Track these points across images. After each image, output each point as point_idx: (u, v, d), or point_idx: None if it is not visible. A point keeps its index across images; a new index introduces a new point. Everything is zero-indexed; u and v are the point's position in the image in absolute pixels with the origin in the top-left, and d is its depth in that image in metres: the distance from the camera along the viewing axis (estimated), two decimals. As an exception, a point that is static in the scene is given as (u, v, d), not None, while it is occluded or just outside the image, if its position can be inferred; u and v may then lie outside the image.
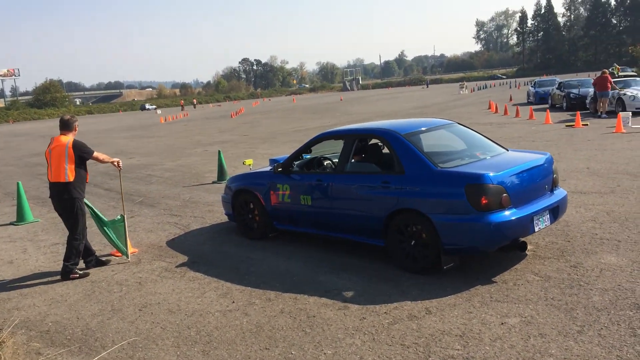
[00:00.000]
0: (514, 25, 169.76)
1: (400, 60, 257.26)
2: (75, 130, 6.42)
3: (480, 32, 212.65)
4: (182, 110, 72.46)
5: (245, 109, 58.21)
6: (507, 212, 5.16)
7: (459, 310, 4.69)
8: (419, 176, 5.52)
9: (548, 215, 5.55)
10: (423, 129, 6.15)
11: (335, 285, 5.53)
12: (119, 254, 7.05)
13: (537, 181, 5.60)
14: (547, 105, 26.61)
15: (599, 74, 20.79)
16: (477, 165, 5.55)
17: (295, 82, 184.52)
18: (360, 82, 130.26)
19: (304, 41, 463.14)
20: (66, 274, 6.30)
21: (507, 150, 6.21)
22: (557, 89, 26.15)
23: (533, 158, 5.80)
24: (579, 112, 19.23)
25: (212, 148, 19.93)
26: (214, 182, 12.22)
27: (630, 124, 15.95)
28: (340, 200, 6.20)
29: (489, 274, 5.45)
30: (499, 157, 5.90)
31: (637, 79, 22.50)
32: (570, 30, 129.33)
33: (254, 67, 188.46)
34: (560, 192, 5.95)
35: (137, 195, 11.59)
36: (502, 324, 4.38)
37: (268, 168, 7.73)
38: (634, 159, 10.82)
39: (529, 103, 30.74)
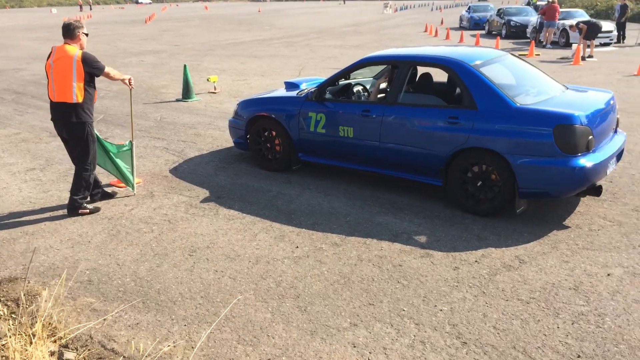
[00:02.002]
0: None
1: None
2: (80, 39, 5.26)
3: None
4: (80, 10, 65.90)
5: (156, 14, 53.89)
6: (591, 155, 4.92)
7: (553, 259, 4.48)
8: (496, 113, 5.09)
9: (615, 158, 5.39)
10: (488, 59, 5.65)
11: (399, 228, 5.12)
12: (121, 185, 6.14)
13: (609, 122, 5.39)
14: (482, 32, 26.80)
15: (544, 3, 20.98)
16: (558, 104, 5.20)
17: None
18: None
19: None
20: (74, 209, 5.37)
21: (568, 87, 5.91)
22: (496, 15, 26.29)
23: (606, 97, 5.55)
24: (533, 42, 19.41)
25: (147, 58, 18.20)
26: (178, 100, 11.07)
27: (585, 55, 16.34)
28: (391, 134, 5.66)
29: (556, 218, 5.27)
30: (570, 95, 5.59)
31: (579, 10, 23.06)
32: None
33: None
34: (621, 133, 5.80)
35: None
36: (609, 275, 4.22)
37: (284, 92, 6.97)
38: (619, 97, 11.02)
39: (461, 28, 30.83)
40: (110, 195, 5.85)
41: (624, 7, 21.20)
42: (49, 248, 4.79)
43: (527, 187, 4.99)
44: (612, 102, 5.53)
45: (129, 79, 5.63)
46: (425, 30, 29.11)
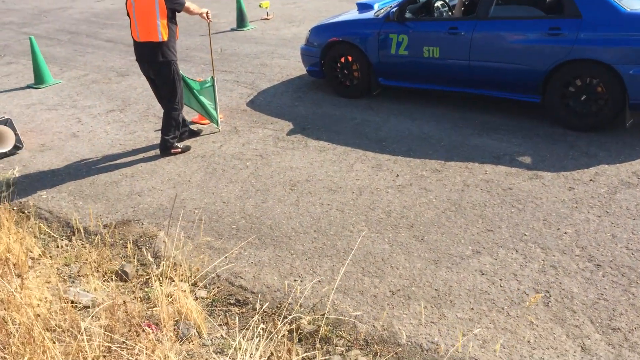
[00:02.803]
0: None
1: None
2: None
3: None
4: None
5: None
6: None
7: (674, 174, 4.26)
8: (604, 20, 4.72)
9: None
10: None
11: (498, 149, 4.94)
12: (205, 122, 6.09)
13: None
14: None
15: None
16: (668, 6, 4.79)
17: None
18: None
19: None
20: (167, 149, 5.37)
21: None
22: None
23: None
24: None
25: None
26: (233, 30, 10.79)
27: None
28: (483, 51, 5.35)
29: (666, 129, 4.99)
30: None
31: None
32: None
33: None
34: None
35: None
36: None
37: (357, 14, 6.65)
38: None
39: None
40: (197, 133, 5.82)
41: None
42: (152, 189, 4.83)
43: (639, 99, 4.69)
44: None
45: (207, 12, 5.44)
46: None
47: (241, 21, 10.76)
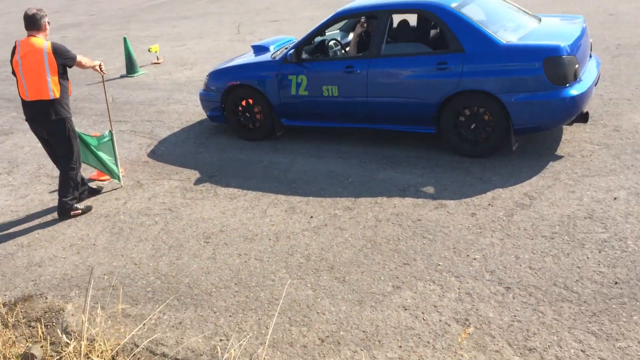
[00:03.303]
0: None
1: None
2: (46, 28, 4.85)
3: None
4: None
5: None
6: (579, 84, 5.06)
7: (560, 191, 4.65)
8: (484, 53, 5.12)
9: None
10: (464, -2, 5.61)
11: (403, 181, 5.16)
12: (105, 178, 5.84)
13: (586, 47, 5.52)
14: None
15: None
16: (540, 36, 5.28)
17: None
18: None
19: None
20: (66, 211, 5.08)
21: (541, 18, 5.98)
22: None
23: (580, 22, 5.66)
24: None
25: (69, 33, 17.02)
26: (123, 76, 10.48)
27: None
28: (379, 87, 5.60)
29: (548, 149, 5.45)
30: (548, 26, 5.68)
31: None
32: None
33: None
34: (595, 57, 5.97)
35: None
36: (615, 199, 4.44)
37: (254, 55, 6.72)
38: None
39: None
40: (97, 191, 5.56)
41: None
42: (53, 258, 4.53)
43: (522, 124, 5.11)
44: (585, 26, 5.66)
45: (100, 65, 5.27)
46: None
47: (131, 67, 10.49)
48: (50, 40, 4.84)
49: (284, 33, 12.20)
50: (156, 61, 11.30)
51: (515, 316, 3.35)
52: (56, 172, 6.09)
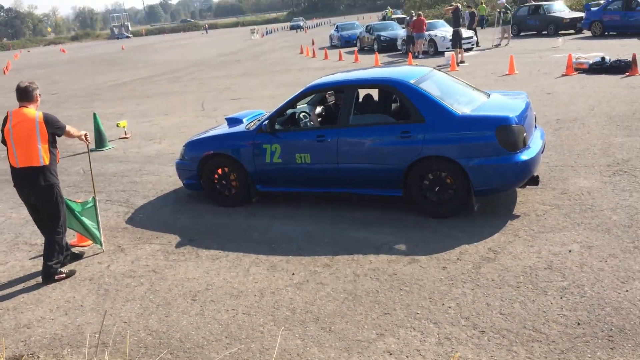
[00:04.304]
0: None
1: (165, 4, 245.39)
2: (38, 100, 5.13)
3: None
4: None
5: (11, 63, 50.31)
6: (528, 150, 5.65)
7: (520, 246, 5.10)
8: (442, 123, 5.68)
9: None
10: (422, 76, 6.25)
11: (376, 240, 5.52)
12: (86, 243, 5.96)
13: (531, 119, 6.19)
14: (354, 48, 28.20)
15: (414, 17, 22.62)
16: (491, 108, 5.91)
17: (50, 30, 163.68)
18: (130, 29, 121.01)
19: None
20: (50, 275, 5.16)
21: (490, 93, 6.66)
22: (366, 32, 27.89)
23: (524, 97, 6.35)
24: (410, 54, 20.89)
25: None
26: (92, 150, 10.64)
27: (458, 61, 17.95)
28: (348, 155, 6.06)
29: (505, 209, 5.95)
30: (496, 100, 6.34)
31: (440, 21, 25.20)
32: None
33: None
34: (539, 128, 6.65)
35: (0, 173, 9.65)
36: (570, 251, 4.91)
37: (227, 127, 7.13)
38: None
39: (332, 47, 32.23)
40: (79, 256, 5.67)
41: (472, 15, 23.69)
42: (41, 319, 4.59)
43: (481, 186, 5.62)
44: (528, 100, 6.36)
45: (85, 135, 5.54)
46: (302, 52, 30.11)
47: (100, 141, 10.72)
48: (44, 111, 5.11)
49: (247, 109, 12.73)
50: (124, 136, 11.57)
51: (492, 356, 3.66)
52: (35, 239, 6.21)
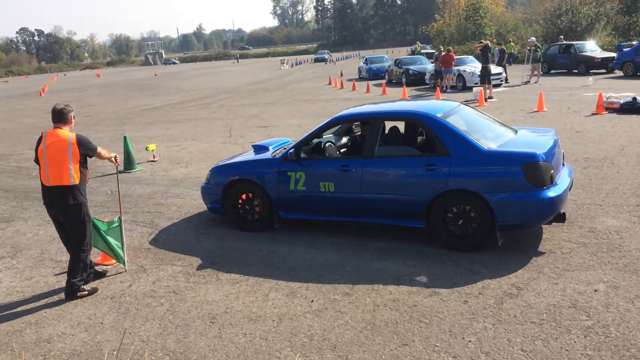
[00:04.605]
0: (307, 1, 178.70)
1: (198, 33, 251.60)
2: (72, 122, 5.30)
3: (277, 8, 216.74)
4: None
5: (47, 85, 51.91)
6: (555, 187, 5.59)
7: (545, 283, 5.01)
8: (468, 157, 5.67)
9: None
10: (449, 110, 6.27)
11: (397, 271, 5.48)
12: (110, 262, 6.05)
13: (559, 156, 6.14)
14: (382, 81, 28.42)
15: (443, 52, 22.80)
16: (518, 144, 5.89)
17: (87, 55, 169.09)
18: (164, 57, 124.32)
19: (92, 9, 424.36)
20: (73, 292, 5.24)
21: (517, 130, 6.65)
22: (395, 65, 28.13)
23: (552, 135, 6.32)
24: (438, 89, 20.98)
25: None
26: (121, 172, 10.88)
27: (487, 97, 17.95)
28: (372, 185, 6.07)
29: (531, 245, 5.87)
30: (524, 136, 6.32)
31: (469, 57, 25.32)
32: (362, 9, 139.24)
33: (35, 38, 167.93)
34: (567, 165, 6.59)
35: (30, 191, 9.89)
36: (595, 291, 4.80)
37: (254, 154, 7.22)
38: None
39: (361, 79, 32.55)
40: (102, 275, 5.75)
41: (502, 52, 23.76)
42: (61, 335, 4.65)
43: (505, 221, 5.56)
44: (557, 138, 6.32)
45: (115, 157, 5.68)
46: (330, 83, 30.47)
47: (129, 163, 10.94)
48: (77, 132, 5.26)
49: (274, 137, 12.90)
50: (152, 159, 11.79)
51: (511, 393, 3.58)
52: (60, 257, 6.32)
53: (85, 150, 5.19)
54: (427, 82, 24.57)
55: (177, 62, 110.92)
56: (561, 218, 5.77)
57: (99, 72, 79.19)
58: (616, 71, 23.93)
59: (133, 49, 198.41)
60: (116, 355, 4.28)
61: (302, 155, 6.55)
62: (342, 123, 6.83)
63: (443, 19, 55.62)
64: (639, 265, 5.21)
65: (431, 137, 6.00)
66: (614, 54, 24.74)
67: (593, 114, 13.78)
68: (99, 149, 5.37)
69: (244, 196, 6.83)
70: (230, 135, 14.77)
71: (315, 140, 6.81)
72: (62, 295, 5.32)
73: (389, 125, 7.02)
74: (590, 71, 24.51)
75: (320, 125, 6.64)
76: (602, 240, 5.85)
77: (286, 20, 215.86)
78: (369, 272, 5.52)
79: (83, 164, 5.21)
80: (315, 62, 66.73)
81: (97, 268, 5.80)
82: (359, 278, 5.38)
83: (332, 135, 7.54)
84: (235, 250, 6.32)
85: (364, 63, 34.20)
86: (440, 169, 5.73)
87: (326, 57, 67.93)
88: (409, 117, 6.32)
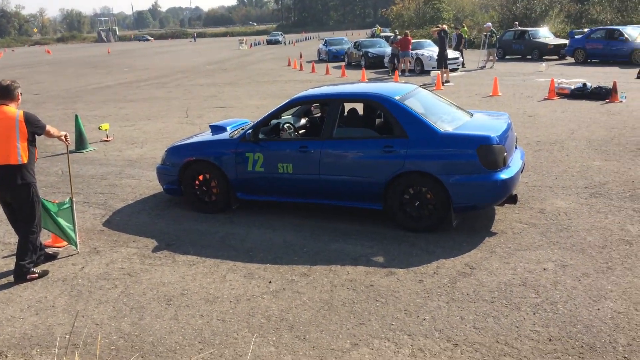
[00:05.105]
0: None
1: (154, 11, 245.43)
2: (19, 99, 5.09)
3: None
4: None
5: (-7, 60, 49.78)
6: (508, 169, 5.73)
7: (496, 262, 5.15)
8: (425, 139, 5.73)
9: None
10: (407, 93, 6.32)
11: (354, 252, 5.53)
12: (61, 244, 5.89)
13: (512, 139, 6.28)
14: (342, 63, 28.39)
15: (397, 36, 22.91)
16: (473, 128, 5.99)
17: (36, 30, 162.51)
18: (118, 34, 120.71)
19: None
20: (23, 275, 5.08)
21: (473, 113, 6.75)
22: (354, 48, 28.12)
23: (506, 118, 6.45)
24: (397, 72, 21.08)
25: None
26: (72, 152, 10.55)
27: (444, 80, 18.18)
28: (331, 167, 6.07)
29: (483, 226, 6.01)
30: (479, 119, 6.43)
31: (427, 40, 25.54)
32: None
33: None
34: (520, 148, 6.75)
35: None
36: (544, 269, 4.97)
37: (211, 134, 7.12)
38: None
39: (320, 60, 32.43)
40: (53, 257, 5.59)
41: (459, 36, 24.08)
42: (11, 318, 4.51)
43: (460, 202, 5.67)
44: (510, 121, 6.46)
45: (65, 135, 5.50)
46: (289, 65, 30.25)
47: (80, 143, 10.63)
48: (22, 109, 5.06)
49: (232, 118, 12.74)
50: (106, 139, 11.48)
51: (463, 368, 3.68)
52: (8, 239, 6.11)
53: (34, 128, 5.00)
54: (386, 65, 24.67)
55: (150, 39, 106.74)
56: (513, 200, 5.92)
57: (49, 49, 76.31)
58: (568, 58, 24.60)
59: (85, 25, 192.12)
60: (68, 339, 4.18)
61: (261, 136, 6.50)
62: (301, 104, 6.80)
63: (402, 2, 55.80)
64: (586, 245, 5.41)
65: (389, 120, 6.04)
66: (566, 41, 25.41)
67: (545, 99, 14.15)
68: (48, 127, 5.18)
69: (201, 177, 6.73)
70: (187, 115, 14.52)
71: (274, 121, 6.75)
72: (11, 279, 5.15)
73: (347, 107, 7.03)
74: (543, 57, 25.11)
75: (279, 106, 6.59)
76: (552, 221, 6.04)
77: (245, 0, 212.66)
78: (326, 253, 5.55)
79: (31, 143, 5.02)
80: (267, 44, 63.61)
81: (47, 250, 5.64)
82: (317, 259, 5.41)
83: (290, 116, 7.50)
84: (192, 231, 6.24)
85: (323, 45, 34.09)
86: (398, 151, 5.78)
87: (280, 38, 65.15)
88: (368, 99, 6.34)
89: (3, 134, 4.87)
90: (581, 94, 13.93)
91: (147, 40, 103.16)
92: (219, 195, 6.69)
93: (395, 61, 22.49)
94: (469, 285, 4.75)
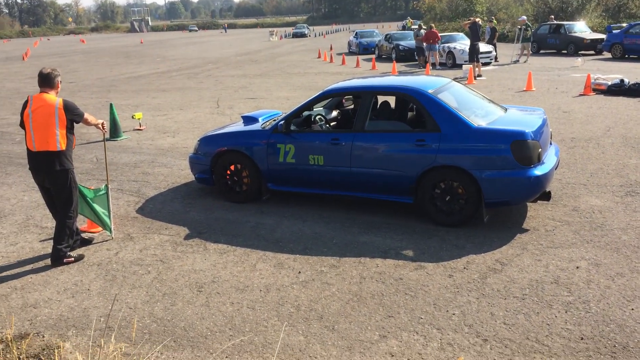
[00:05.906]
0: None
1: (186, 2, 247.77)
2: (59, 87, 5.22)
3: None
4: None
5: (30, 50, 50.78)
6: (542, 166, 5.65)
7: (528, 259, 5.10)
8: (458, 134, 5.69)
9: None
10: (440, 86, 6.27)
11: (384, 245, 5.53)
12: (96, 230, 6.03)
13: (547, 135, 6.18)
14: (372, 55, 28.26)
15: (420, 28, 22.65)
16: (508, 123, 5.91)
17: (71, 20, 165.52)
18: (150, 24, 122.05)
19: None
20: (59, 258, 5.22)
21: (507, 108, 6.67)
22: (385, 40, 27.95)
23: (541, 114, 6.36)
24: (428, 65, 20.88)
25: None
26: (107, 140, 10.74)
27: (476, 74, 17.95)
28: (362, 159, 6.08)
29: (515, 223, 5.95)
30: (513, 115, 6.34)
31: (460, 34, 25.22)
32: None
33: (19, 1, 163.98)
34: (555, 145, 6.64)
35: (13, 156, 9.76)
36: (577, 267, 4.89)
37: (243, 125, 7.18)
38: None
39: (350, 53, 32.32)
40: (89, 242, 5.73)
41: (493, 30, 23.67)
42: (48, 300, 4.65)
43: (492, 198, 5.61)
44: (545, 117, 6.36)
45: (102, 123, 5.62)
46: (319, 57, 30.22)
47: (115, 131, 10.82)
48: (64, 97, 5.18)
49: (263, 109, 12.82)
50: (139, 128, 11.67)
51: (493, 364, 3.66)
52: (45, 223, 6.28)
53: (72, 115, 5.12)
54: (416, 58, 24.46)
55: (197, 29, 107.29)
56: (546, 196, 5.84)
57: (83, 38, 77.68)
58: (605, 53, 24.03)
59: (118, 15, 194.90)
60: (104, 321, 4.29)
61: (292, 127, 6.53)
62: (333, 96, 6.80)
63: (434, -6, 55.13)
64: (620, 243, 5.31)
65: (421, 113, 6.01)
66: (603, 36, 24.80)
67: (581, 95, 13.87)
68: (86, 115, 5.30)
69: (232, 167, 6.81)
70: (218, 105, 14.65)
71: (306, 113, 6.77)
72: (48, 262, 5.31)
73: (380, 100, 7.01)
74: (579, 52, 24.58)
75: (311, 97, 6.61)
76: (585, 219, 5.94)
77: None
78: (356, 245, 5.56)
79: (70, 130, 5.14)
80: (293, 37, 60.84)
81: (83, 235, 5.78)
82: (346, 251, 5.43)
83: (322, 108, 7.51)
84: (223, 220, 6.32)
85: (354, 37, 33.95)
86: (430, 145, 5.75)
87: (305, 31, 62.66)
88: (401, 92, 6.31)
89: (43, 121, 5.00)
90: (618, 90, 13.61)
91: (196, 30, 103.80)
92: (250, 186, 6.75)
93: (421, 55, 22.25)
94: (500, 282, 4.71)
